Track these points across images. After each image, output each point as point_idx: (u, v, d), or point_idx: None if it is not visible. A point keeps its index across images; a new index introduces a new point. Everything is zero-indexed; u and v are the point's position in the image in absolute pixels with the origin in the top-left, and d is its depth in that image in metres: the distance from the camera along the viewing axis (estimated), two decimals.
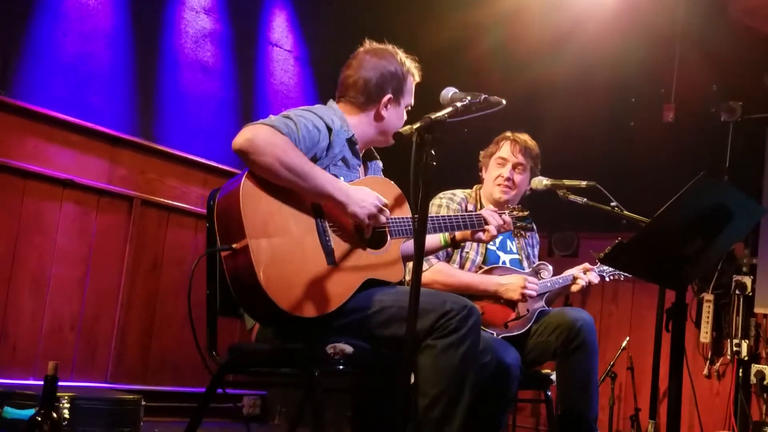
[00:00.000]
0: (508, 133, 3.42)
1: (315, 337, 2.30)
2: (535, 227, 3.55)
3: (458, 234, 2.78)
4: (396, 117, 2.63)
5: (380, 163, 2.77)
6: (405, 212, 2.57)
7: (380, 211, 2.38)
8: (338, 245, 2.36)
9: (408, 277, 2.53)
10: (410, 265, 2.82)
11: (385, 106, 2.60)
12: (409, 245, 2.66)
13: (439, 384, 2.29)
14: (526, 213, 2.94)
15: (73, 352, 4.03)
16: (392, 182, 2.60)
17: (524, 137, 3.41)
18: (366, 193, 2.37)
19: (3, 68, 3.82)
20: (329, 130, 2.43)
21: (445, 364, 2.29)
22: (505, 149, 3.37)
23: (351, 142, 2.52)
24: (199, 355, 2.31)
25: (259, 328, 2.43)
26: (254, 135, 2.24)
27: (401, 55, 2.67)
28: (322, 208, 2.36)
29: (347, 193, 2.34)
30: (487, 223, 2.74)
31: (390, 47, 2.68)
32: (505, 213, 2.83)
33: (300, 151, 2.29)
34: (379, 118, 2.61)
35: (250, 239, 2.17)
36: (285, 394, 4.81)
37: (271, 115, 2.36)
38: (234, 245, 2.20)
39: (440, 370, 2.29)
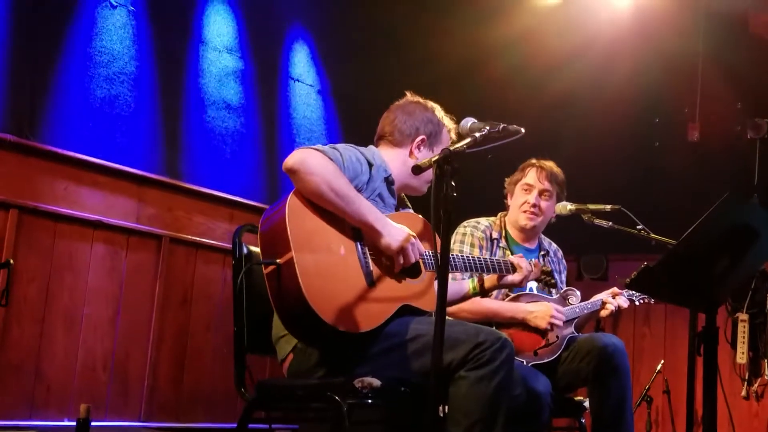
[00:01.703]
0: (534, 160, 3.42)
1: (350, 357, 2.33)
2: (560, 252, 3.54)
3: (487, 282, 2.85)
4: None
5: (411, 209, 2.83)
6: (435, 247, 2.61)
7: (412, 248, 2.43)
8: (376, 270, 2.42)
9: None
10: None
11: (418, 147, 2.69)
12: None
13: (472, 414, 2.29)
14: (549, 269, 3.02)
15: (106, 391, 4.07)
16: (423, 218, 2.66)
17: (550, 164, 3.41)
18: (402, 229, 2.44)
19: (30, 112, 3.91)
20: (370, 165, 2.53)
21: (478, 395, 2.29)
22: (531, 176, 3.37)
23: (388, 181, 2.61)
24: (233, 389, 2.32)
25: (291, 361, 2.45)
26: (306, 156, 2.34)
27: (439, 109, 2.78)
28: (362, 232, 2.42)
29: (384, 224, 2.41)
30: (515, 270, 2.84)
31: (434, 104, 2.79)
32: (532, 261, 2.89)
33: (346, 178, 2.39)
34: (410, 155, 2.69)
35: (295, 252, 2.23)
36: (317, 428, 4.79)
37: (319, 144, 2.44)
38: (278, 260, 2.25)
39: (474, 401, 2.29)
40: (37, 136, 3.90)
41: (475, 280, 2.86)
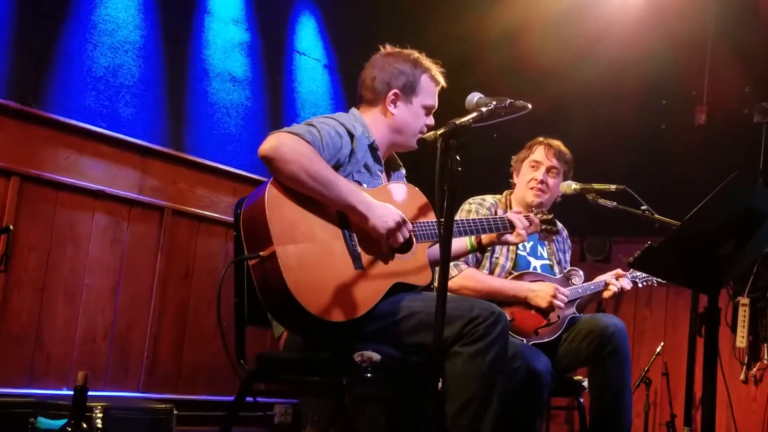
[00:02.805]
0: (541, 138, 3.42)
1: (344, 343, 2.30)
2: (566, 231, 3.52)
3: (484, 238, 2.75)
4: (409, 115, 2.59)
5: (404, 171, 2.77)
6: (430, 217, 2.55)
7: (400, 228, 2.36)
8: (364, 251, 2.36)
9: (437, 283, 2.52)
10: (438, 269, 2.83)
11: (393, 103, 2.59)
12: (435, 250, 2.63)
13: (467, 391, 2.28)
14: (550, 216, 2.91)
15: (106, 362, 4.08)
16: (416, 188, 2.60)
17: (557, 142, 3.41)
18: (388, 209, 2.36)
19: (35, 81, 3.89)
20: (351, 136, 2.45)
21: (473, 371, 2.27)
22: (539, 153, 3.36)
23: (372, 148, 2.53)
24: (230, 364, 2.31)
25: (288, 336, 2.44)
26: (279, 143, 2.25)
27: (418, 56, 2.65)
28: (347, 215, 2.36)
29: (369, 205, 2.33)
30: (513, 226, 2.72)
31: (407, 50, 2.67)
32: (530, 215, 2.81)
33: (324, 161, 2.30)
34: (386, 113, 2.59)
35: (276, 246, 2.18)
36: (317, 402, 4.81)
37: (294, 123, 2.38)
38: (261, 253, 2.20)
39: (468, 377, 2.28)
40: (40, 104, 3.88)
41: (473, 238, 2.75)
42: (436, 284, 2.59)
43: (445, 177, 2.01)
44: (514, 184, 3.45)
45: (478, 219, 2.69)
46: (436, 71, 2.66)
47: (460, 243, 2.78)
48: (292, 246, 2.21)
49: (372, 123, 2.58)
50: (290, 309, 2.19)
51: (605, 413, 3.04)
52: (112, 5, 4.20)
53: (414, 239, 2.46)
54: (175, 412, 3.54)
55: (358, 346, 2.29)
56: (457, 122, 2.08)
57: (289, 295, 2.15)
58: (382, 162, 2.61)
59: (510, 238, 2.74)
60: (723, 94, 5.36)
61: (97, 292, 4.05)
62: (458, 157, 2.03)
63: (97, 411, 3.16)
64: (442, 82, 2.68)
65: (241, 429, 4.33)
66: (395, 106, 2.59)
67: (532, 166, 3.35)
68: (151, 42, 4.38)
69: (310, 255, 2.24)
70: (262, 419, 4.48)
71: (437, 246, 2.66)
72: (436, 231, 2.49)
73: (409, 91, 2.59)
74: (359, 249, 2.34)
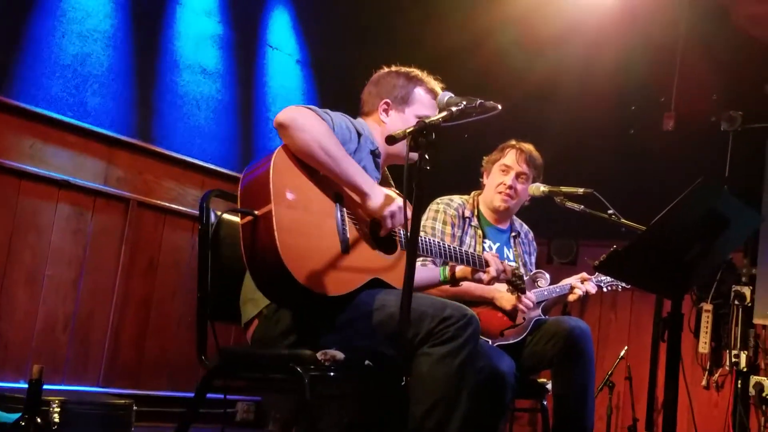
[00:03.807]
0: (514, 142, 3.41)
1: (317, 326, 2.30)
2: (531, 233, 3.54)
3: (458, 271, 2.81)
4: (400, 123, 2.62)
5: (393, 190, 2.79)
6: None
7: (399, 211, 2.40)
8: (353, 237, 2.38)
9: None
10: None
11: (385, 111, 2.66)
12: (418, 274, 2.69)
13: (434, 393, 2.26)
14: (521, 272, 2.96)
15: (65, 354, 4.01)
16: (404, 198, 2.62)
17: (529, 147, 3.40)
18: (390, 194, 2.43)
19: (0, 67, 3.80)
20: (359, 134, 2.50)
21: (441, 373, 2.26)
22: (510, 157, 3.35)
23: (374, 154, 2.58)
24: (195, 358, 2.29)
25: (256, 327, 2.41)
26: (298, 113, 2.29)
27: (416, 72, 2.72)
28: (343, 198, 2.39)
29: (372, 187, 2.38)
30: (488, 266, 2.76)
31: (410, 68, 2.74)
32: (505, 261, 2.85)
33: (336, 138, 2.35)
34: (378, 122, 2.66)
35: (274, 206, 2.19)
36: (280, 400, 4.78)
37: (312, 105, 2.40)
38: (256, 211, 2.22)
39: (436, 379, 2.26)
40: (4, 90, 3.80)
41: (447, 269, 2.83)
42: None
43: (414, 175, 2.00)
44: (484, 185, 3.45)
45: (458, 248, 2.74)
46: (435, 85, 2.71)
47: (432, 273, 2.85)
48: (288, 210, 2.23)
49: (374, 131, 2.64)
50: (274, 271, 2.18)
51: (568, 416, 3.05)
52: None
53: (399, 245, 2.49)
54: (135, 407, 3.49)
55: (324, 340, 2.28)
56: (427, 121, 2.08)
57: (277, 256, 2.16)
58: (380, 171, 2.65)
59: (483, 277, 2.78)
60: (691, 101, 5.43)
61: (59, 282, 3.98)
62: (427, 156, 2.02)
63: (54, 405, 3.10)
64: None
65: (202, 426, 4.27)
66: (387, 115, 2.66)
67: (503, 170, 3.34)
68: (121, 31, 4.32)
69: (302, 223, 2.26)
70: (224, 416, 4.44)
71: (422, 271, 2.76)
72: (424, 246, 2.57)
73: (401, 101, 2.66)
74: (348, 234, 2.36)
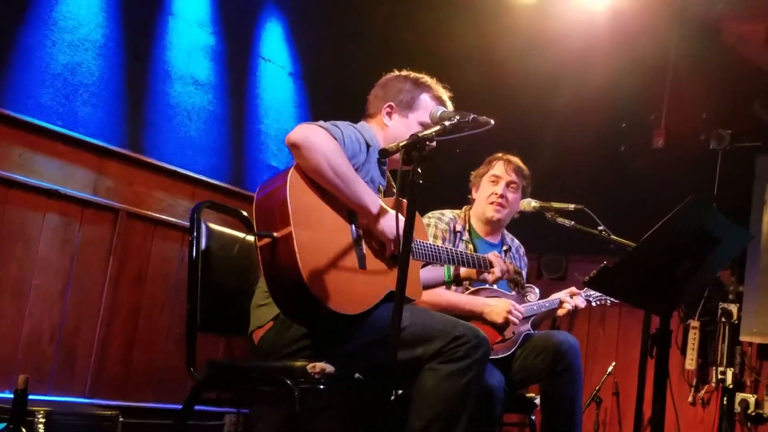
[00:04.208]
0: (500, 154, 3.46)
1: (332, 338, 2.32)
2: (522, 249, 3.55)
3: (463, 272, 2.87)
4: (403, 128, 2.64)
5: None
6: (424, 238, 2.64)
7: None
8: (368, 252, 2.41)
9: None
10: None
11: (388, 115, 2.68)
12: (427, 273, 2.72)
13: (436, 408, 2.28)
14: (521, 270, 3.08)
15: (51, 365, 3.97)
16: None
17: (516, 158, 3.46)
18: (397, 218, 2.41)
19: None
20: (368, 146, 2.52)
21: (446, 390, 2.29)
22: (499, 168, 3.40)
23: (380, 162, 2.60)
24: (185, 371, 2.27)
25: (269, 330, 2.40)
26: (310, 133, 2.30)
27: (424, 78, 2.74)
28: (356, 215, 2.41)
29: (381, 210, 2.40)
30: (492, 266, 2.83)
31: (419, 75, 2.75)
32: (507, 261, 2.91)
33: (346, 158, 2.36)
34: (381, 125, 2.68)
35: (294, 227, 2.21)
36: (269, 412, 4.75)
37: (320, 121, 2.41)
38: (275, 234, 2.22)
39: (440, 395, 2.29)
40: None
41: (452, 269, 2.88)
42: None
43: (406, 189, 2.01)
44: (473, 200, 3.47)
45: (464, 252, 2.80)
46: (443, 93, 2.73)
47: (437, 272, 2.87)
48: (307, 230, 2.25)
49: (378, 136, 2.65)
50: (296, 292, 2.20)
51: (556, 430, 3.06)
52: (74, 2, 4.11)
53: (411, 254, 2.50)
54: (121, 419, 3.46)
55: (336, 352, 2.30)
56: (420, 135, 2.09)
57: (299, 278, 2.18)
58: (385, 178, 2.66)
59: (488, 277, 2.86)
60: (681, 119, 5.47)
61: (45, 293, 3.95)
62: (419, 170, 2.04)
63: (39, 416, 3.07)
64: (449, 104, 2.73)
65: None
66: (390, 118, 2.68)
67: (492, 181, 3.38)
68: (112, 41, 4.31)
69: (321, 242, 2.28)
70: (211, 429, 4.40)
71: (428, 271, 2.76)
72: (431, 253, 2.61)
73: (405, 105, 2.68)
74: (364, 249, 2.39)
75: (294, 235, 2.20)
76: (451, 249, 2.74)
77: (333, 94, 5.29)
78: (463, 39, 5.56)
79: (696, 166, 5.33)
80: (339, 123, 2.45)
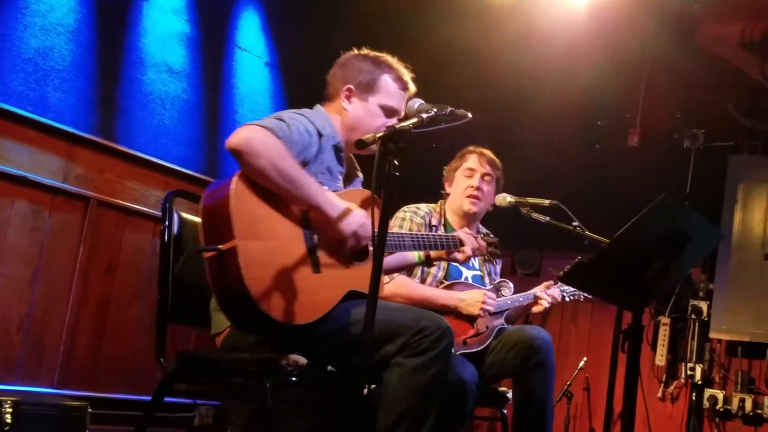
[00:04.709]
0: (472, 147, 3.46)
1: (291, 341, 2.26)
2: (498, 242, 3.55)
3: (433, 253, 2.81)
4: (363, 112, 2.55)
5: (361, 177, 2.74)
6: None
7: (363, 230, 2.34)
8: (324, 254, 2.33)
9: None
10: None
11: (347, 98, 2.56)
12: (389, 260, 2.66)
13: (404, 404, 2.25)
14: (496, 240, 2.99)
15: (19, 354, 3.91)
16: (375, 196, 2.58)
17: (488, 151, 3.46)
18: (353, 212, 2.34)
19: None
20: (320, 135, 2.41)
21: (412, 385, 2.25)
22: (473, 160, 3.40)
23: (337, 149, 2.50)
24: (154, 362, 2.24)
25: (227, 336, 2.36)
26: (251, 136, 2.19)
27: (385, 58, 2.62)
28: (309, 217, 2.32)
29: (336, 207, 2.30)
30: (463, 245, 2.77)
31: (379, 54, 2.63)
32: (479, 236, 2.87)
33: (294, 159, 2.26)
34: (340, 110, 2.56)
35: (238, 240, 2.13)
36: (240, 405, 4.72)
37: (264, 117, 2.31)
38: (220, 246, 2.14)
39: (407, 390, 2.25)
40: None
41: (422, 252, 2.82)
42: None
43: (383, 181, 1.99)
44: (447, 194, 3.46)
45: (432, 234, 2.75)
46: (404, 74, 2.61)
47: (407, 255, 2.82)
48: (254, 242, 2.17)
49: (335, 121, 2.55)
50: (244, 306, 2.14)
51: (528, 424, 3.07)
52: None
53: (370, 246, 2.44)
54: (90, 409, 3.41)
55: (304, 349, 2.25)
56: (397, 126, 2.08)
57: (246, 292, 2.10)
58: (344, 164, 2.57)
59: (458, 256, 2.82)
60: (656, 118, 5.51)
61: (13, 281, 3.88)
62: (396, 162, 2.02)
63: (6, 405, 3.03)
64: (411, 86, 2.62)
65: (159, 430, 4.20)
66: (349, 102, 2.56)
67: (467, 175, 3.38)
68: (85, 26, 4.23)
69: (270, 253, 2.19)
70: (182, 421, 4.36)
71: (392, 256, 2.71)
72: (396, 243, 2.54)
73: (365, 88, 2.55)
74: (318, 253, 2.31)
75: (238, 249, 2.11)
76: (415, 234, 2.68)
77: (309, 85, 5.22)
78: (444, 38, 5.53)
79: (670, 164, 5.39)
80: (285, 115, 2.34)
